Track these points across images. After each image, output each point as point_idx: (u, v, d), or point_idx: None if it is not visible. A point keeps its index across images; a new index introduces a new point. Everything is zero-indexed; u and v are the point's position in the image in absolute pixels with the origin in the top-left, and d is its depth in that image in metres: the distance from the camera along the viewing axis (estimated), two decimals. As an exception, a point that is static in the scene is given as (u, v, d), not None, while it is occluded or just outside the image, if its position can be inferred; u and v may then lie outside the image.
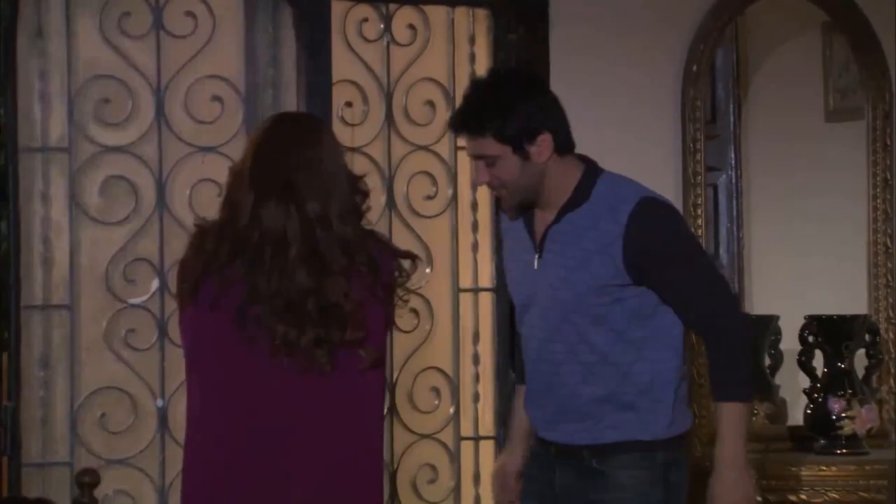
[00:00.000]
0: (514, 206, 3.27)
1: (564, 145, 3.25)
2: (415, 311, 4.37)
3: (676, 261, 3.20)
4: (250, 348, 2.85)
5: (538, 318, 3.28)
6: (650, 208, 3.20)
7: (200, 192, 4.10)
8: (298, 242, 2.87)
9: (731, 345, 3.20)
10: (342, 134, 4.29)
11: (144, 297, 4.09)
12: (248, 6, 4.15)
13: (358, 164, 4.33)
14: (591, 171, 3.27)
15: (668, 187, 4.44)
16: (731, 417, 3.21)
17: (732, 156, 4.97)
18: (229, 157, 4.06)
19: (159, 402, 4.09)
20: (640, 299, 3.22)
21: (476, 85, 3.32)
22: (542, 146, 3.21)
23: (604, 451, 3.25)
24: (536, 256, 3.28)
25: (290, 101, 4.14)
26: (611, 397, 3.24)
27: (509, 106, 3.18)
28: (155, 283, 4.11)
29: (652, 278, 3.21)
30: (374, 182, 4.32)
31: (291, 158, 2.91)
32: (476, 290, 4.48)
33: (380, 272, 2.90)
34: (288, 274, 2.85)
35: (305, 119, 3.12)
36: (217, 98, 4.14)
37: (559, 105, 3.25)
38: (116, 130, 4.10)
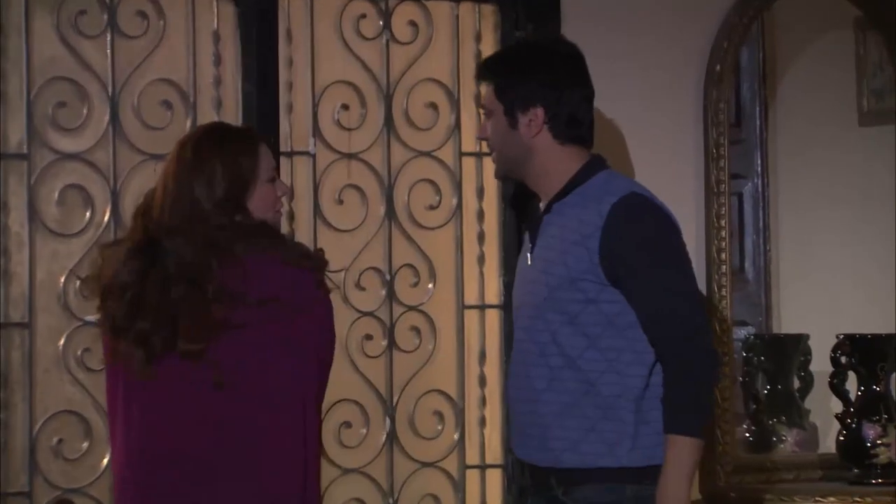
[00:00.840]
0: (501, 175, 3.41)
1: (564, 133, 3.26)
2: (416, 330, 4.29)
3: (647, 269, 3.14)
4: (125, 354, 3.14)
5: (519, 317, 3.31)
6: (635, 203, 3.16)
7: None
8: (148, 262, 3.11)
9: (690, 376, 3.14)
10: (338, 139, 4.24)
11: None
12: (195, 4, 4.11)
13: (355, 171, 4.25)
14: (593, 165, 3.27)
15: (689, 196, 4.41)
16: (677, 453, 3.13)
17: (759, 162, 4.93)
18: None
19: None
20: (618, 306, 3.16)
21: (513, 42, 3.67)
22: (533, 121, 3.24)
23: (569, 480, 3.20)
24: (529, 252, 3.28)
25: (232, 107, 4.09)
26: (573, 409, 3.18)
27: (519, 66, 3.28)
28: None
29: (621, 282, 3.14)
30: (372, 191, 4.26)
31: (169, 183, 3.11)
32: (482, 307, 4.35)
33: (230, 295, 3.00)
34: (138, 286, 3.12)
35: (206, 140, 3.19)
36: (166, 103, 4.08)
37: (583, 95, 3.27)
38: (73, 136, 4.02)
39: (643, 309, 3.15)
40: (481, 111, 3.37)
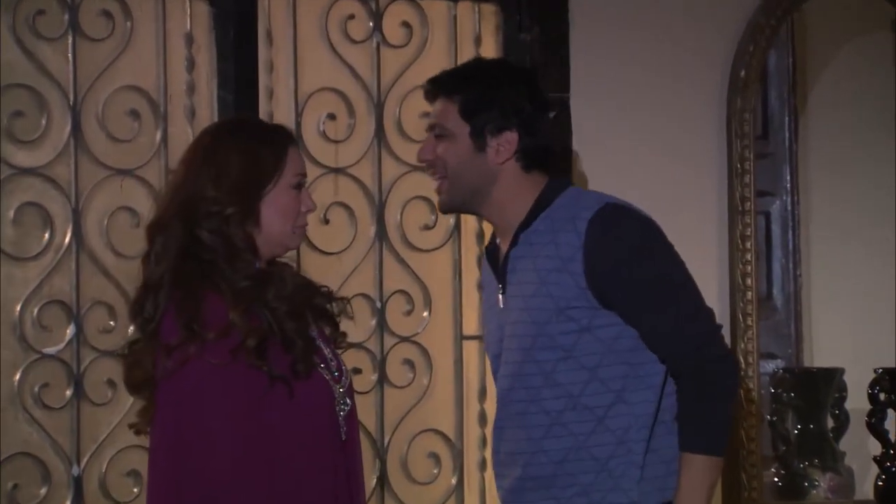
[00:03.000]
0: (450, 204, 3.27)
1: (532, 160, 3.22)
2: (409, 363, 4.28)
3: (645, 282, 3.11)
4: None
5: (503, 365, 3.24)
6: (614, 214, 3.15)
7: (118, 221, 4.04)
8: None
9: (710, 390, 3.12)
10: (324, 152, 4.22)
11: (60, 346, 4.00)
12: (166, 3, 4.12)
13: (342, 188, 4.25)
14: (555, 186, 3.26)
15: (710, 216, 4.39)
16: (695, 473, 3.10)
17: (788, 178, 4.90)
18: (147, 181, 4.06)
19: (75, 471, 3.99)
20: (615, 329, 3.13)
21: (475, 58, 3.55)
22: (504, 146, 3.20)
23: None
24: (500, 293, 3.23)
25: (206, 117, 4.08)
26: (580, 451, 3.14)
27: (492, 83, 3.22)
28: (70, 330, 4.01)
29: (618, 303, 3.12)
30: (361, 209, 4.26)
31: (178, 171, 3.01)
32: (482, 338, 4.26)
33: (159, 327, 2.91)
34: None
35: (230, 126, 3.13)
36: (134, 112, 4.08)
37: (547, 119, 3.28)
38: (30, 149, 4.01)
39: (645, 326, 3.12)
40: (430, 131, 3.27)
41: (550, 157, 3.25)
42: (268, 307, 2.89)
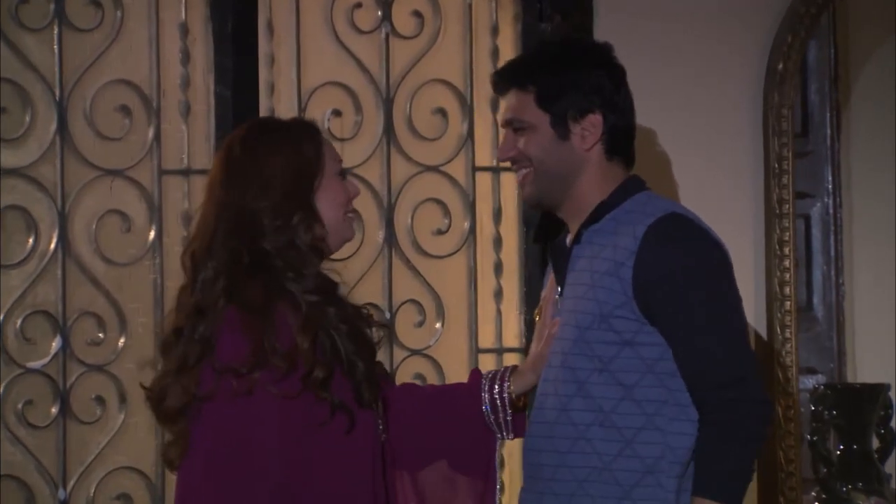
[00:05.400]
0: (537, 195, 3.25)
1: (618, 144, 3.23)
2: (421, 378, 4.28)
3: (688, 303, 3.11)
4: None
5: (545, 368, 3.26)
6: (674, 226, 3.14)
7: (107, 225, 4.06)
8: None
9: (732, 429, 3.11)
10: None
11: (45, 360, 4.02)
12: None
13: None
14: (630, 185, 3.25)
15: (746, 219, 4.38)
16: None
17: (829, 179, 4.97)
18: (139, 182, 4.08)
19: (61, 494, 4.02)
20: (658, 350, 3.13)
21: (539, 42, 3.54)
22: (589, 130, 3.21)
23: None
24: (558, 292, 3.25)
25: (203, 113, 4.12)
26: (603, 473, 3.13)
27: (567, 67, 3.23)
28: (56, 342, 4.03)
29: (658, 319, 3.12)
30: (369, 212, 4.26)
31: (214, 192, 3.05)
32: (500, 351, 4.33)
33: (213, 350, 2.94)
34: None
35: (259, 132, 3.15)
36: (124, 108, 4.11)
37: (630, 100, 3.27)
38: (13, 148, 4.05)
39: (680, 348, 3.12)
40: (507, 126, 3.27)
41: (633, 137, 3.25)
42: (333, 328, 2.94)
